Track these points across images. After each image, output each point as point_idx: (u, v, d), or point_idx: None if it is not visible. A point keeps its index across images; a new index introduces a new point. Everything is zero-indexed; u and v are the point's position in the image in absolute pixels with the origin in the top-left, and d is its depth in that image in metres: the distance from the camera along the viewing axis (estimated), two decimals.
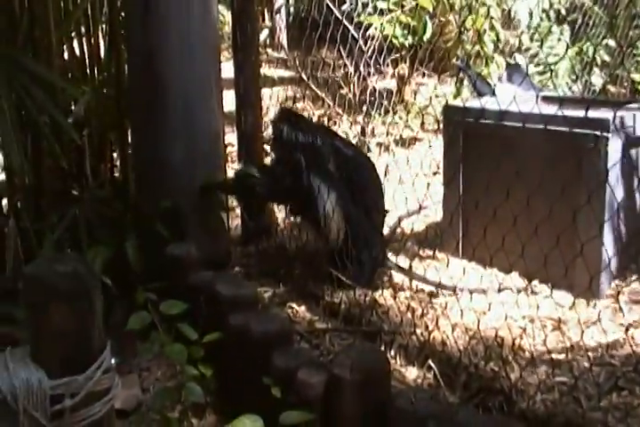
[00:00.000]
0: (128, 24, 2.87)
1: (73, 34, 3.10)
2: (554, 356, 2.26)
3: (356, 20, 5.01)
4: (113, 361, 1.50)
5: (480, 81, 3.65)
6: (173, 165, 2.79)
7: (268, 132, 3.84)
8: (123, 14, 2.96)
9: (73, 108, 3.01)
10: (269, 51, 7.26)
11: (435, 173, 3.96)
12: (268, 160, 3.39)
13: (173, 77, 2.76)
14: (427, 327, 2.44)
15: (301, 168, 2.80)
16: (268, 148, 3.39)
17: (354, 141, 4.27)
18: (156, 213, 2.72)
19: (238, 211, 3.45)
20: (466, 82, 4.75)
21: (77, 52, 3.10)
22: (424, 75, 5.75)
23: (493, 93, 3.44)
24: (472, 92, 4.57)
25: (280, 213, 3.36)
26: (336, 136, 3.11)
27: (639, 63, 5.69)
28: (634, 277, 2.85)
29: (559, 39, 5.32)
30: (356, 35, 4.82)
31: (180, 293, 2.25)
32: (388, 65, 5.27)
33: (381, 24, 4.71)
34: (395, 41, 4.80)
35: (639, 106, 2.94)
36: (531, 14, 5.01)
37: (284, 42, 7.52)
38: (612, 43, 5.15)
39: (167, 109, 2.76)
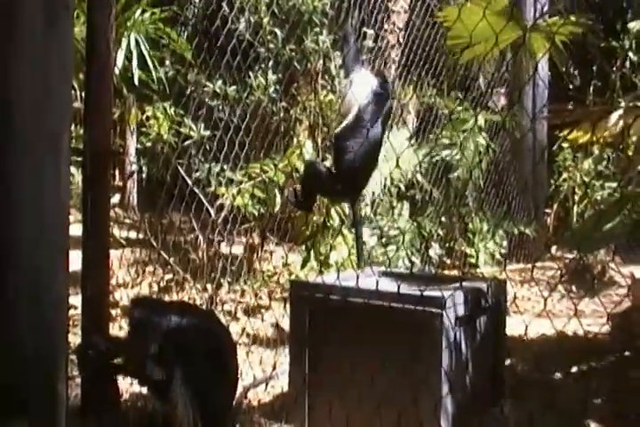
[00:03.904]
0: None
1: None
2: None
3: (207, 189, 5.16)
4: None
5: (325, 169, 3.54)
6: (15, 334, 2.66)
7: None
8: None
9: None
10: (119, 211, 7.29)
11: (282, 342, 4.01)
12: (113, 328, 3.32)
13: (20, 243, 2.69)
14: None
15: (155, 354, 2.79)
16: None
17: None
18: None
19: (78, 380, 3.30)
20: None
21: None
22: (274, 242, 5.94)
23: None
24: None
25: (124, 382, 3.25)
26: (195, 312, 3.15)
27: (470, 238, 6.23)
28: None
29: (400, 214, 5.72)
30: (207, 204, 4.96)
31: None
32: (238, 233, 5.41)
33: (232, 194, 4.90)
34: (245, 210, 4.98)
35: (471, 282, 3.20)
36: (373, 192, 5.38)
37: (135, 203, 7.60)
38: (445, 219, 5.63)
39: (10, 277, 2.67)
